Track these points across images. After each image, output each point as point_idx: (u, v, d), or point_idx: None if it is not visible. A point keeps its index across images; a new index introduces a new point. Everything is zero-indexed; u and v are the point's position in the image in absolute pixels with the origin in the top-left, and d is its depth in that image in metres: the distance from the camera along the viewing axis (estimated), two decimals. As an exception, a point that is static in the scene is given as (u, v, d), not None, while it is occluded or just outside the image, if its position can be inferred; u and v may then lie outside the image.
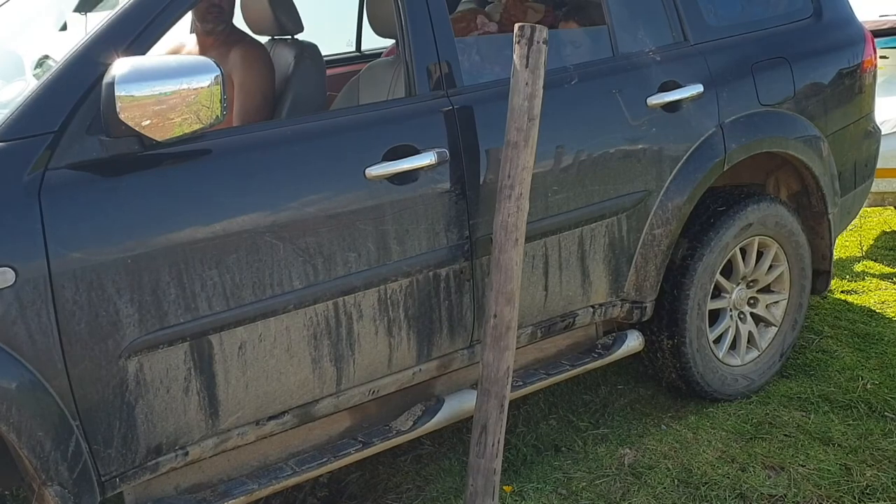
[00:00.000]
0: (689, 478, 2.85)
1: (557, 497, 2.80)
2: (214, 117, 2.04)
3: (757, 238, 3.26)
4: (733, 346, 3.34)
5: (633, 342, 3.09)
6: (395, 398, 2.66)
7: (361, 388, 2.49)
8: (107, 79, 1.96)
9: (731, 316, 3.31)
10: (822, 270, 3.55)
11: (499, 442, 2.54)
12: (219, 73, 2.03)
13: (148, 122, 1.96)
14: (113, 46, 2.06)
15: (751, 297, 3.38)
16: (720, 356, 3.27)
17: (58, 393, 1.96)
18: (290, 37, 3.23)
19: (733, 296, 3.29)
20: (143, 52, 2.12)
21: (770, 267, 3.37)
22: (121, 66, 1.95)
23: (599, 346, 3.08)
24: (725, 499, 2.75)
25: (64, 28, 2.86)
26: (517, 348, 2.84)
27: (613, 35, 2.93)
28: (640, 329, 3.13)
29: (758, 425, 3.16)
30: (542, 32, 2.45)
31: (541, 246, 2.74)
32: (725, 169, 3.09)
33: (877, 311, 4.07)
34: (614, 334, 3.11)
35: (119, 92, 1.93)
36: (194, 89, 2.00)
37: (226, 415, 2.25)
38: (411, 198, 2.44)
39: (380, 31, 2.96)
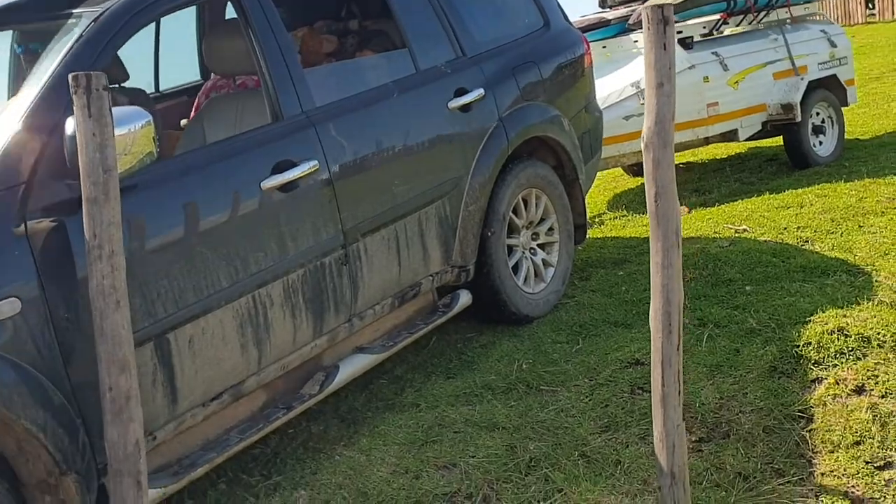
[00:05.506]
0: (366, 501, 2.85)
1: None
2: None
3: (534, 191, 4.09)
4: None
5: (465, 298, 3.80)
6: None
7: None
8: None
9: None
10: (579, 225, 4.44)
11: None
12: None
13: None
14: None
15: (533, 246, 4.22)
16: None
17: None
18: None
19: (522, 238, 4.10)
20: None
21: (542, 220, 4.21)
22: None
23: (441, 306, 3.77)
24: (403, 509, 2.75)
25: None
26: (381, 318, 3.41)
27: None
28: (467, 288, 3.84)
29: (428, 430, 3.22)
30: (101, 79, 2.16)
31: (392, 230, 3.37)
32: (510, 152, 3.91)
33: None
34: (450, 295, 3.81)
35: None
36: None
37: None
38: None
39: (219, 69, 3.45)
